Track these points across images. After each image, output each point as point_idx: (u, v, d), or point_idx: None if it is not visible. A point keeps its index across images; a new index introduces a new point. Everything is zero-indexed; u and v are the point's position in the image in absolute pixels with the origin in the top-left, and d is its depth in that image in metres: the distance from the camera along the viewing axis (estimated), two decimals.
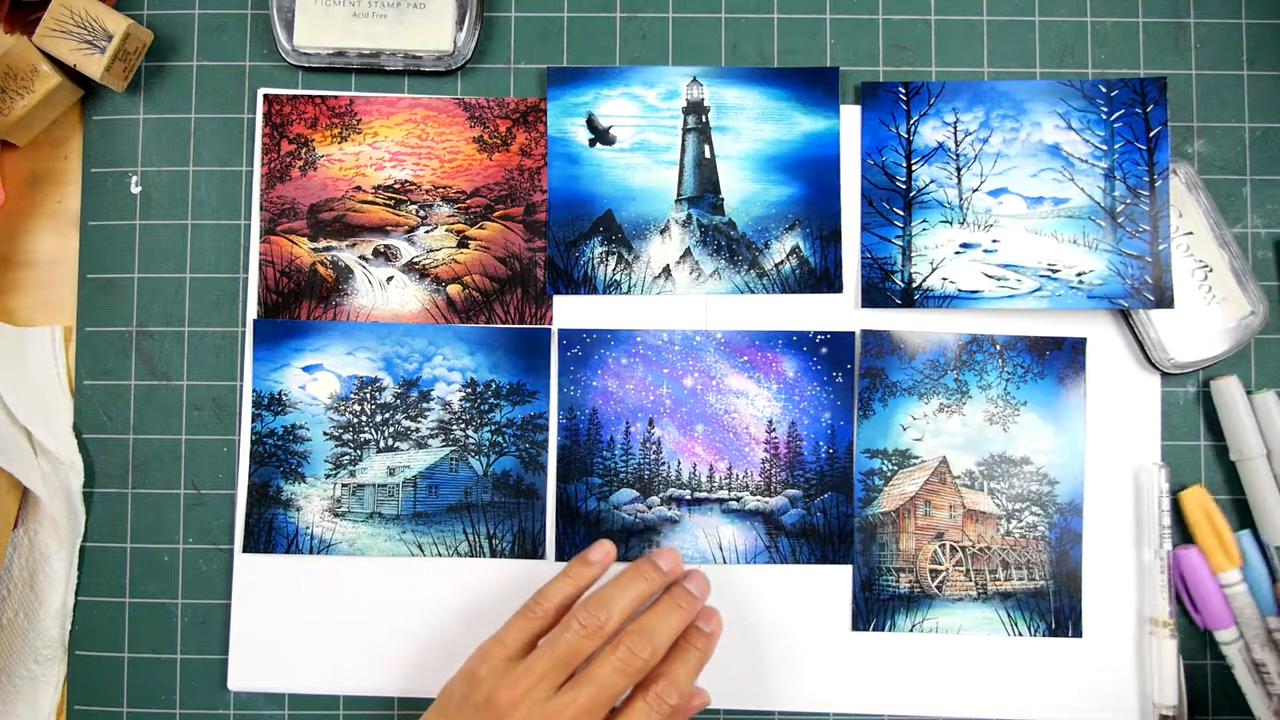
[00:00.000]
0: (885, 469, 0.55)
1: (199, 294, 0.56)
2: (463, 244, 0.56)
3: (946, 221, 0.55)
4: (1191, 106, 0.56)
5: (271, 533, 0.54)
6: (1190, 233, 0.54)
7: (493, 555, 0.54)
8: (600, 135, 0.56)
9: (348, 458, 0.55)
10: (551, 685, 0.43)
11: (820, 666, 0.54)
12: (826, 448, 0.55)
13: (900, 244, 0.55)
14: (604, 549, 0.50)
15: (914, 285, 0.55)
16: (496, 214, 0.56)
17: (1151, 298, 0.53)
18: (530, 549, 0.54)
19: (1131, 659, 0.54)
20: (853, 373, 0.55)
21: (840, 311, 0.55)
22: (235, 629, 0.54)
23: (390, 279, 0.55)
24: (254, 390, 0.55)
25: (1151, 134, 0.54)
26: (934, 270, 0.54)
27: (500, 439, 0.55)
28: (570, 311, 0.55)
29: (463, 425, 0.55)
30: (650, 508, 0.55)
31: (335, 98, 0.56)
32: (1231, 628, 0.52)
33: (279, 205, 0.56)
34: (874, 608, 0.54)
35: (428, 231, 0.56)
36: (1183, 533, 0.54)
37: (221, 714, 0.54)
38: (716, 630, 0.48)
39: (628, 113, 0.56)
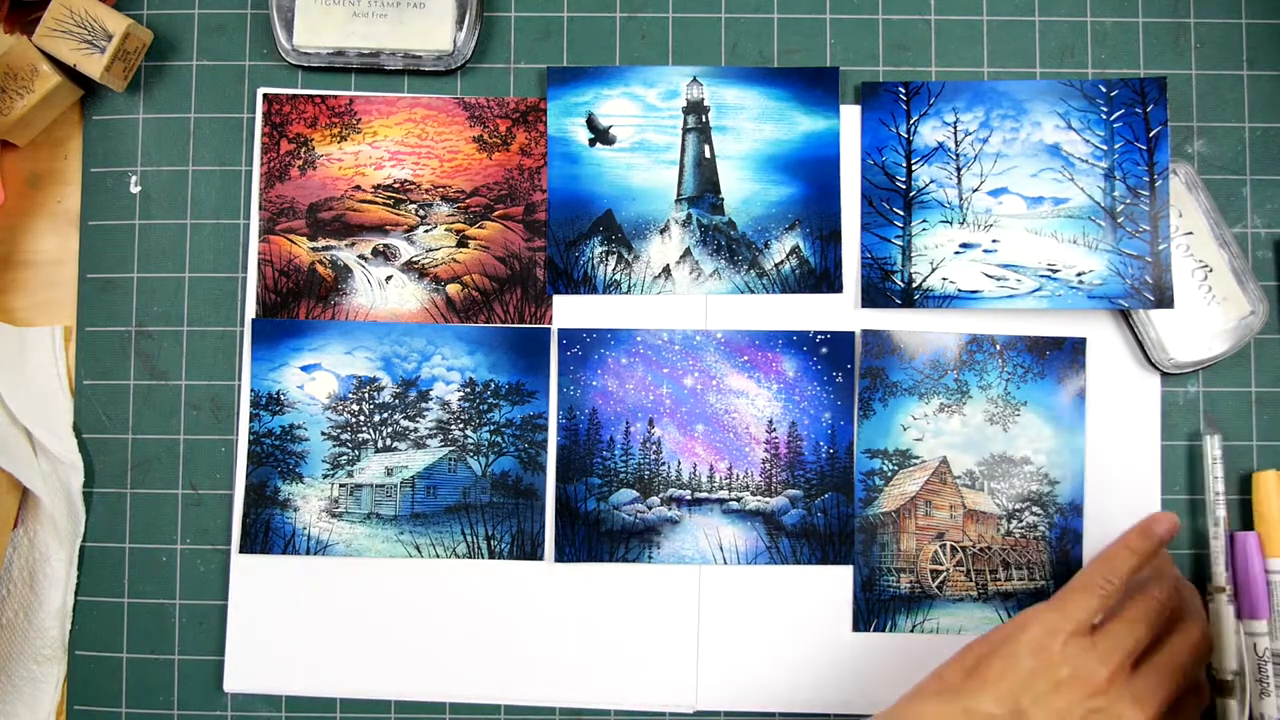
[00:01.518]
0: (885, 469, 0.54)
1: (198, 294, 0.56)
2: (462, 243, 0.56)
3: (946, 221, 0.55)
4: (1191, 106, 0.56)
5: (269, 533, 0.54)
6: (1190, 233, 0.54)
7: (491, 556, 0.54)
8: (600, 135, 0.56)
9: (345, 458, 0.55)
10: (1132, 660, 0.44)
11: (820, 666, 0.54)
12: (827, 448, 0.55)
13: (900, 244, 0.55)
14: (1170, 522, 0.49)
15: (914, 285, 0.54)
16: (496, 213, 0.56)
17: (1151, 298, 0.53)
18: (529, 550, 0.54)
19: None
20: (853, 373, 0.55)
21: (840, 311, 0.55)
22: (232, 630, 0.54)
23: (389, 278, 0.55)
24: (252, 390, 0.55)
25: (1151, 134, 0.54)
26: (934, 270, 0.54)
27: (499, 439, 0.55)
28: (570, 311, 0.55)
29: (461, 425, 0.55)
30: (650, 508, 0.55)
31: (335, 97, 0.56)
32: (1264, 620, 0.52)
33: (278, 205, 0.56)
34: (875, 608, 0.54)
35: (427, 231, 0.56)
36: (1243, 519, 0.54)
37: (219, 715, 0.54)
38: None
39: (628, 112, 0.56)
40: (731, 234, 0.55)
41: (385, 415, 0.55)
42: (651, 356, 0.55)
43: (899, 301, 0.54)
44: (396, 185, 0.56)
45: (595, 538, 0.54)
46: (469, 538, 0.54)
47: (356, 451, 0.55)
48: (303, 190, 0.56)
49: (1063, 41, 0.56)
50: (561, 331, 0.55)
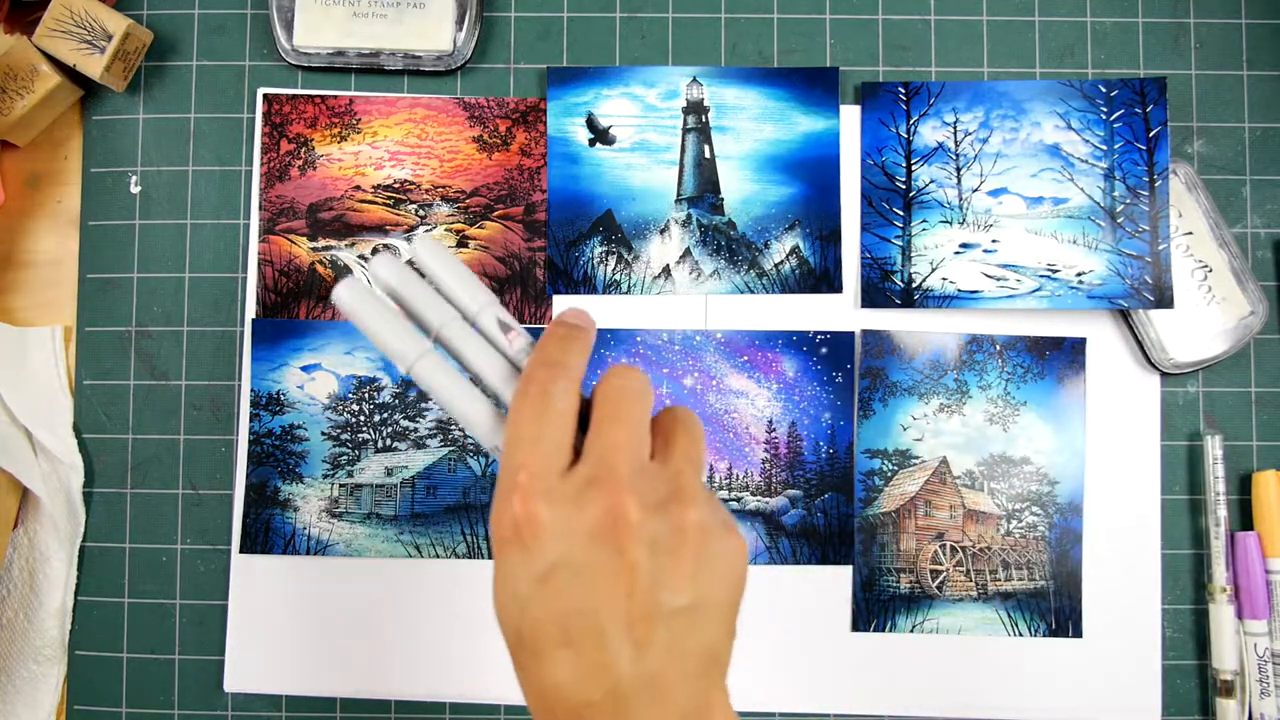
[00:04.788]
0: (885, 469, 0.54)
1: (198, 294, 0.56)
2: (462, 244, 0.56)
3: (946, 221, 0.55)
4: (1191, 106, 0.56)
5: (269, 533, 0.54)
6: (1190, 233, 0.54)
7: (491, 557, 0.54)
8: (600, 135, 0.56)
9: (345, 458, 0.55)
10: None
11: (820, 667, 0.54)
12: (826, 448, 0.55)
13: (900, 244, 0.55)
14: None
15: (914, 285, 0.54)
16: (496, 214, 0.56)
17: (1151, 298, 0.53)
18: None
19: (1132, 659, 0.54)
20: (853, 373, 0.55)
21: (840, 311, 0.55)
22: (232, 630, 0.54)
23: None
24: (252, 390, 0.55)
25: (1151, 134, 0.54)
26: (934, 270, 0.54)
27: None
28: None
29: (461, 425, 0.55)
30: None
31: (335, 97, 0.56)
32: (1264, 620, 0.52)
33: (278, 205, 0.56)
34: (874, 608, 0.54)
35: (427, 231, 0.56)
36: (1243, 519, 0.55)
37: (219, 715, 0.54)
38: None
39: (628, 113, 0.56)
40: (731, 234, 0.55)
41: (385, 415, 0.55)
42: (651, 356, 0.55)
43: (899, 301, 0.54)
44: (396, 185, 0.56)
45: None
46: (469, 538, 0.54)
47: (356, 451, 0.55)
48: (303, 190, 0.56)
49: (1063, 41, 0.56)
50: None
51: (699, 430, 0.33)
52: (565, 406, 0.31)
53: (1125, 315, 0.54)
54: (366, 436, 0.55)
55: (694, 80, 0.56)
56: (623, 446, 0.31)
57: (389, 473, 0.55)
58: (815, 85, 0.56)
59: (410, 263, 0.33)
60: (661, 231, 0.55)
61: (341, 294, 0.32)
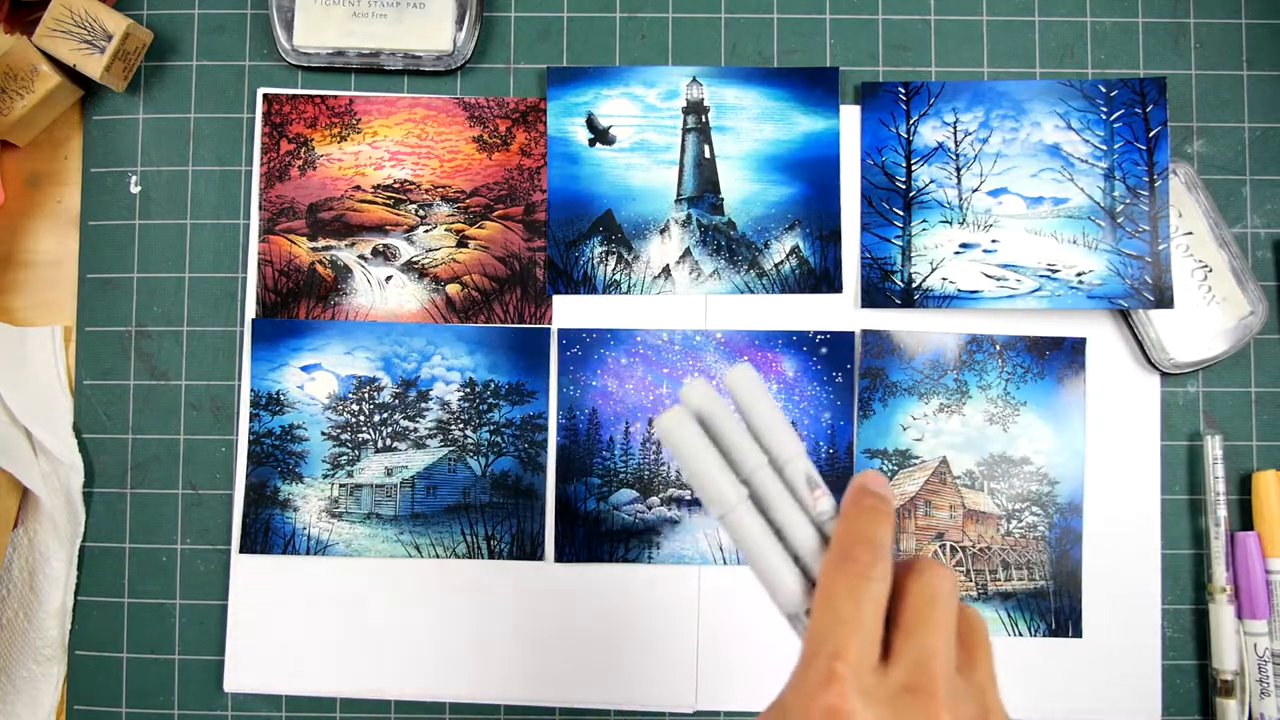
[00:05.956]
0: (885, 469, 0.54)
1: (198, 294, 0.56)
2: (462, 243, 0.56)
3: (946, 221, 0.55)
4: (1191, 106, 0.56)
5: (269, 533, 0.54)
6: (1190, 233, 0.54)
7: (491, 556, 0.54)
8: (600, 135, 0.56)
9: (345, 458, 0.55)
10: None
11: None
12: (826, 448, 0.55)
13: (900, 244, 0.55)
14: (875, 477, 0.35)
15: (914, 285, 0.54)
16: (496, 213, 0.56)
17: (1151, 298, 0.53)
18: (529, 550, 0.54)
19: (1132, 659, 0.54)
20: (853, 373, 0.55)
21: (840, 311, 0.55)
22: (232, 630, 0.54)
23: (389, 278, 0.55)
24: (252, 390, 0.55)
25: (1151, 134, 0.54)
26: (934, 270, 0.54)
27: (499, 439, 0.55)
28: (570, 311, 0.55)
29: (461, 425, 0.55)
30: (650, 508, 0.55)
31: (335, 97, 0.56)
32: (1264, 620, 0.52)
33: (278, 205, 0.56)
34: None
35: (427, 231, 0.56)
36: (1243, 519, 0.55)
37: (219, 715, 0.54)
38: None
39: (627, 113, 0.56)
40: (731, 234, 0.55)
41: (385, 415, 0.55)
42: (651, 356, 0.55)
43: (899, 301, 0.54)
44: (396, 185, 0.56)
45: (595, 538, 0.54)
46: (469, 538, 0.54)
47: (356, 451, 0.55)
48: (303, 190, 0.56)
49: (1062, 41, 0.56)
50: (561, 331, 0.55)
51: (990, 640, 0.33)
52: (881, 592, 0.30)
53: (1125, 315, 0.54)
54: (366, 436, 0.55)
55: (694, 80, 0.56)
56: (939, 655, 0.30)
57: (389, 473, 0.55)
58: (815, 85, 0.56)
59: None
60: (661, 231, 0.55)
61: (667, 424, 0.31)
